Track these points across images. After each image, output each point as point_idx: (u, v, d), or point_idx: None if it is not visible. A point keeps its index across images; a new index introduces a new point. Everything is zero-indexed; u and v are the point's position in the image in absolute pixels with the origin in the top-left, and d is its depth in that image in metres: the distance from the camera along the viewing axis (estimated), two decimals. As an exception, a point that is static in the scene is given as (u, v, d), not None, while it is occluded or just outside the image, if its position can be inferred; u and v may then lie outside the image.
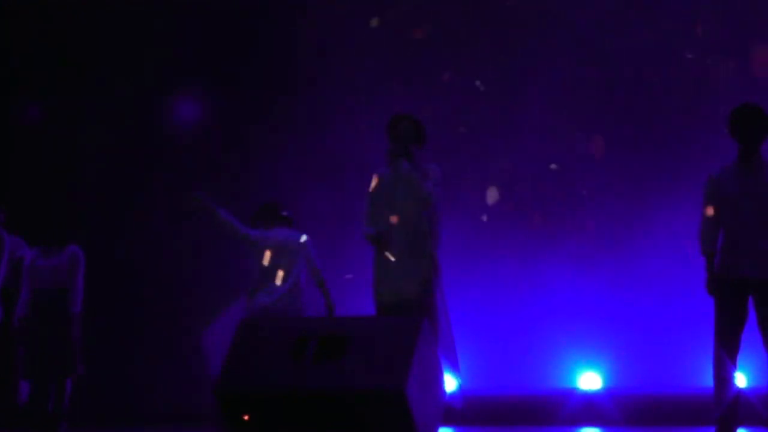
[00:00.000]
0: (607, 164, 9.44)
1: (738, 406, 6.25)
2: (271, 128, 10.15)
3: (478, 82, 9.38)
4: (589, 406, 8.55)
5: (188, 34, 10.28)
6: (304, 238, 7.79)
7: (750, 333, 6.35)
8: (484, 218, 9.44)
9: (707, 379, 6.42)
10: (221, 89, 10.30)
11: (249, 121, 10.20)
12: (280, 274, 7.74)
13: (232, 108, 10.29)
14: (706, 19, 9.39)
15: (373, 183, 6.93)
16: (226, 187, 10.00)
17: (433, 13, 10.00)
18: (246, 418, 5.73)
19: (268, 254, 7.77)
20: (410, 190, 6.77)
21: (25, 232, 8.71)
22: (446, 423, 7.40)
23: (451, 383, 6.73)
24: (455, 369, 6.82)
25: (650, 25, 9.45)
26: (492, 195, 8.84)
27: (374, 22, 9.82)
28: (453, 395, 6.75)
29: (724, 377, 6.22)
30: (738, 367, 6.28)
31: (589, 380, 8.93)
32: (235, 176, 10.09)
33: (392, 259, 6.77)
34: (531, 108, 9.59)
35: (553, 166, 9.42)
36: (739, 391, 6.30)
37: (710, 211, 6.34)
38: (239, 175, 10.09)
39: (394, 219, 6.78)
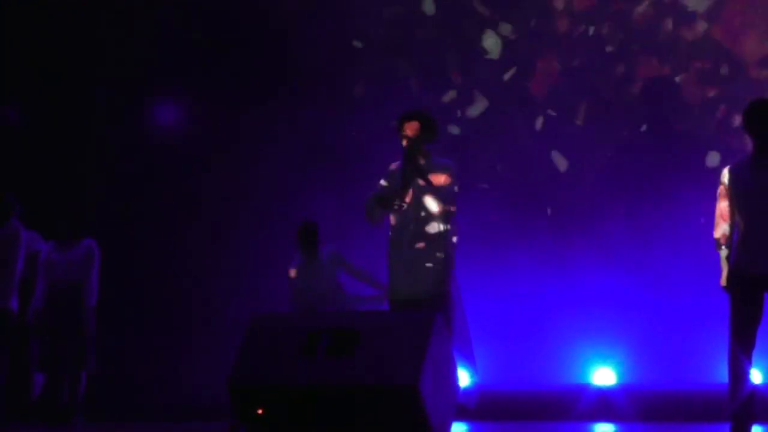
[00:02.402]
0: (623, 160, 9.41)
1: (753, 402, 6.22)
2: (271, 127, 10.13)
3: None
4: (603, 402, 8.55)
5: (188, 34, 10.29)
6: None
7: (766, 329, 6.33)
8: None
9: (722, 375, 6.40)
10: (222, 89, 10.29)
11: (250, 120, 10.19)
12: None
13: (232, 107, 10.29)
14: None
15: (385, 180, 6.86)
16: (226, 187, 10.03)
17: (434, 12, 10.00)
18: (260, 412, 5.73)
19: None
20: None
21: (40, 226, 8.74)
22: (460, 418, 7.39)
23: (465, 379, 6.71)
24: (471, 365, 6.79)
25: (669, 23, 9.42)
26: None
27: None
28: (467, 394, 6.71)
29: (739, 373, 6.19)
30: (753, 363, 6.25)
31: (603, 376, 8.92)
32: (235, 175, 10.09)
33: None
34: (550, 102, 9.58)
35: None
36: (755, 387, 6.27)
37: (724, 206, 6.31)
38: (239, 174, 10.10)
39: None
